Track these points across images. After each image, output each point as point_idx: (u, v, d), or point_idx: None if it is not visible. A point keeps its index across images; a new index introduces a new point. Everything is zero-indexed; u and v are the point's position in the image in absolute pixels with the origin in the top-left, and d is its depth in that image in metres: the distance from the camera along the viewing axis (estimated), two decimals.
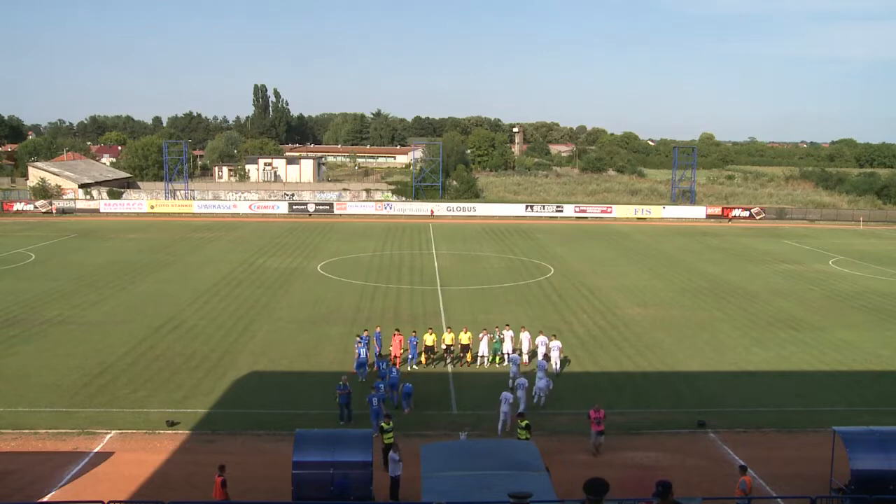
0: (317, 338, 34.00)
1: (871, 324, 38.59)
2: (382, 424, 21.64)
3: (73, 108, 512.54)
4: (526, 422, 21.73)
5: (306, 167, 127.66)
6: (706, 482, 20.47)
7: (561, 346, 30.28)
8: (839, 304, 43.00)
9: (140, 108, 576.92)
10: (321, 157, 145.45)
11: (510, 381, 27.28)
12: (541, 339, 30.26)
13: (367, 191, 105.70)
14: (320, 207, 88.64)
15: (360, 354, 28.81)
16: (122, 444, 22.92)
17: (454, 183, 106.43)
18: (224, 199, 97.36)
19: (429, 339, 30.76)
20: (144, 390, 27.27)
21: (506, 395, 24.43)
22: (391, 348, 30.27)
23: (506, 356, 30.52)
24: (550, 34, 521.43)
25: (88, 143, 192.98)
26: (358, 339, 29.84)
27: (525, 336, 31.07)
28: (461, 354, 30.85)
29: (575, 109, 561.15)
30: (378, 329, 31.70)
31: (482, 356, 30.66)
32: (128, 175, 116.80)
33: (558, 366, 29.77)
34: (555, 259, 56.92)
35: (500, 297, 43.09)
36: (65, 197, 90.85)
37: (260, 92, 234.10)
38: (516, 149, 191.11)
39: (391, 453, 19.81)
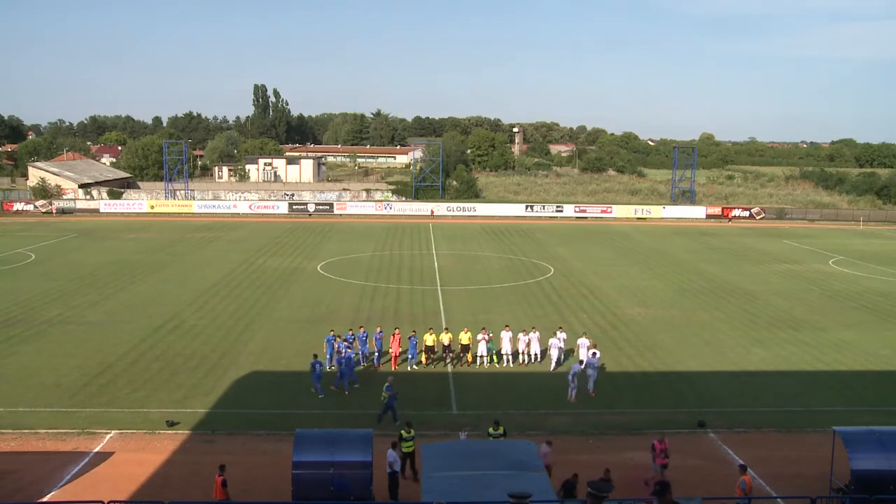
0: (317, 338, 33.92)
1: (870, 324, 38.59)
2: (403, 432, 21.36)
3: (73, 108, 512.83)
4: (502, 428, 21.65)
5: (306, 167, 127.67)
6: (706, 482, 20.47)
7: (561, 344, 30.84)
8: (839, 304, 42.99)
9: (140, 108, 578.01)
10: (321, 157, 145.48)
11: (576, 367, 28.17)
12: (582, 341, 30.28)
13: (367, 191, 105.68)
14: (320, 207, 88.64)
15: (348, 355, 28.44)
16: (122, 444, 22.92)
17: (454, 183, 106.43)
18: (224, 199, 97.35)
19: (429, 339, 30.76)
20: (144, 390, 27.27)
21: (575, 366, 27.29)
22: (390, 347, 30.33)
23: (506, 357, 30.77)
24: (550, 34, 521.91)
25: (88, 143, 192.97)
26: (339, 339, 29.59)
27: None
28: (461, 354, 30.87)
29: (575, 109, 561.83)
30: (363, 329, 31.44)
31: (481, 356, 30.68)
32: (128, 175, 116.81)
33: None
34: (555, 259, 56.92)
35: (500, 297, 43.09)
36: (65, 197, 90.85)
37: (260, 92, 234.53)
38: (516, 149, 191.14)
39: (389, 451, 19.80)
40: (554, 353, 30.43)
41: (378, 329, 31.56)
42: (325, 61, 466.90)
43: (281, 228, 73.53)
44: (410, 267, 52.97)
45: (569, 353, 31.23)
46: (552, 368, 30.20)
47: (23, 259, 54.16)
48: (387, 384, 24.94)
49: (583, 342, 29.94)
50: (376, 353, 30.40)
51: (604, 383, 28.87)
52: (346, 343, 28.88)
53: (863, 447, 19.07)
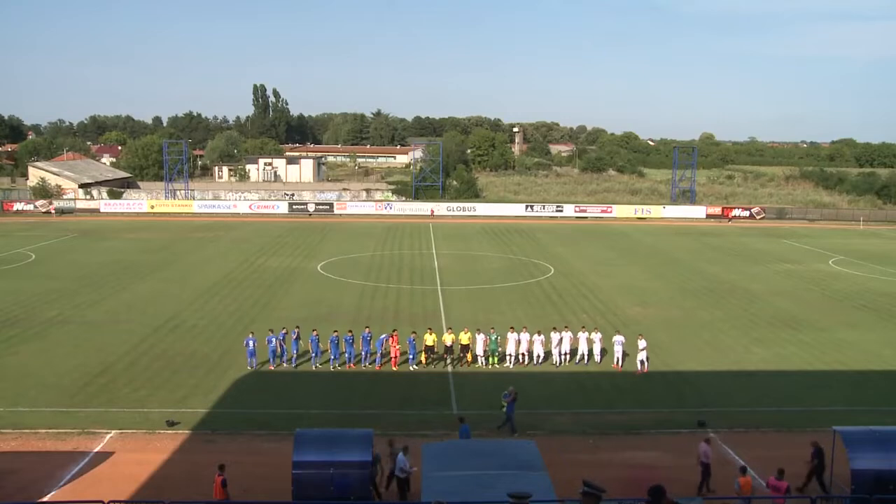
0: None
1: (871, 323, 38.59)
2: None
3: (73, 108, 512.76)
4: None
5: (306, 167, 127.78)
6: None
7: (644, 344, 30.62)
8: (839, 304, 42.99)
9: (140, 108, 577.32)
10: (321, 157, 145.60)
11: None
12: (618, 338, 31.15)
13: (367, 191, 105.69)
14: (320, 207, 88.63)
15: (269, 342, 29.91)
16: (122, 443, 22.92)
17: (454, 183, 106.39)
18: (224, 198, 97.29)
19: (429, 339, 30.74)
20: (145, 390, 27.28)
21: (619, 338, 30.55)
22: (391, 347, 30.29)
23: (509, 357, 30.72)
24: (550, 34, 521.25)
25: (88, 142, 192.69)
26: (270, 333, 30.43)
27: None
28: (461, 354, 30.84)
29: (575, 109, 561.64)
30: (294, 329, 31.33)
31: (482, 356, 30.65)
32: (128, 175, 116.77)
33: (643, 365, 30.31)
34: (555, 259, 56.91)
35: (500, 297, 43.08)
36: (65, 197, 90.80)
37: (260, 92, 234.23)
38: (516, 149, 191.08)
39: (400, 455, 19.70)
40: (618, 350, 30.77)
41: (367, 329, 31.38)
42: (325, 61, 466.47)
43: (281, 228, 73.53)
44: (410, 267, 52.97)
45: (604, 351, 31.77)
46: (620, 366, 30.74)
47: (23, 259, 54.15)
48: (505, 392, 24.63)
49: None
50: (378, 355, 30.36)
51: (604, 383, 28.92)
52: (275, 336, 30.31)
53: (863, 447, 19.07)
